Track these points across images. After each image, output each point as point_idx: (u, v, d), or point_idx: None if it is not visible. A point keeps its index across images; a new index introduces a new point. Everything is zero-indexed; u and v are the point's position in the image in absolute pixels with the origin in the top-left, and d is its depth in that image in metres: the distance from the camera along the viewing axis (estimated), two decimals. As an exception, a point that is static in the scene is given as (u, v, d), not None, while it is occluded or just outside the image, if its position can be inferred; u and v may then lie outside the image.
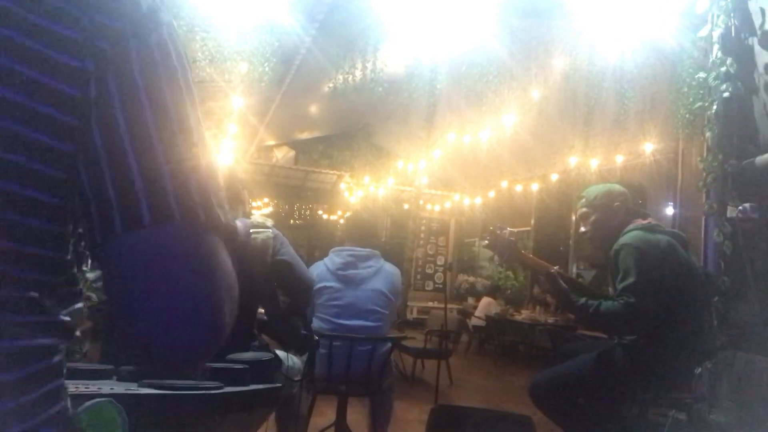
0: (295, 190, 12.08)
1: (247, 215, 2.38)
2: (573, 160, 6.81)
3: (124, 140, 0.48)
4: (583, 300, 2.26)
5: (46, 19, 0.45)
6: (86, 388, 1.04)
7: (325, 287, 2.85)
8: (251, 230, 2.26)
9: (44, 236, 0.47)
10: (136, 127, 0.48)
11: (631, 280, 2.17)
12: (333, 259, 2.94)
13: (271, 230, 2.28)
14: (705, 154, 2.77)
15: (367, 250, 2.94)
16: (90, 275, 1.66)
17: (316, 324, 2.83)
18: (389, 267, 2.98)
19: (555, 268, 2.39)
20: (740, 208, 2.50)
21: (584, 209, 2.54)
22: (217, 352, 0.54)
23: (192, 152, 0.52)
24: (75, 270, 0.53)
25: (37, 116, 0.45)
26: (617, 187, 2.60)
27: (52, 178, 0.47)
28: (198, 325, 0.51)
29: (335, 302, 2.84)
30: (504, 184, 9.11)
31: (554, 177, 7.82)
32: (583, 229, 2.59)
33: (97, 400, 0.58)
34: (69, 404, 0.52)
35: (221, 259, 0.53)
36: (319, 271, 2.90)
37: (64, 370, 0.52)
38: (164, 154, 0.49)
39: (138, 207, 0.48)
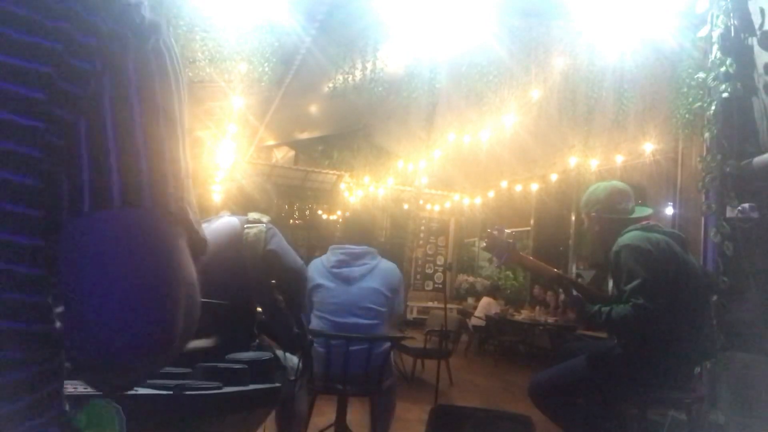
0: (295, 190, 12.09)
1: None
2: (573, 160, 6.81)
3: (106, 126, 0.49)
4: (595, 308, 2.25)
5: (70, 25, 0.48)
6: (85, 388, 1.04)
7: (320, 285, 2.85)
8: (245, 225, 2.26)
9: (33, 229, 0.47)
10: (120, 116, 0.49)
11: (637, 281, 2.15)
12: (329, 257, 2.94)
13: (264, 224, 2.27)
14: (704, 155, 2.77)
15: (363, 247, 2.91)
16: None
17: (314, 323, 2.81)
18: (385, 264, 2.95)
19: (555, 271, 2.40)
20: (739, 208, 2.50)
21: (582, 216, 2.60)
22: (165, 357, 0.49)
23: (175, 147, 0.52)
24: None
25: (51, 116, 0.47)
26: (599, 191, 2.52)
27: (40, 169, 0.47)
28: (147, 320, 0.47)
29: (330, 300, 2.83)
30: (504, 184, 9.11)
31: (554, 177, 7.82)
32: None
33: (96, 400, 0.58)
34: (67, 405, 0.52)
35: (185, 257, 0.51)
36: (314, 268, 2.90)
37: (63, 371, 0.52)
38: (145, 144, 0.49)
39: (110, 187, 0.47)
